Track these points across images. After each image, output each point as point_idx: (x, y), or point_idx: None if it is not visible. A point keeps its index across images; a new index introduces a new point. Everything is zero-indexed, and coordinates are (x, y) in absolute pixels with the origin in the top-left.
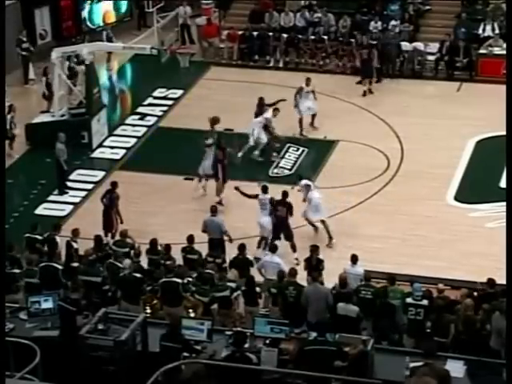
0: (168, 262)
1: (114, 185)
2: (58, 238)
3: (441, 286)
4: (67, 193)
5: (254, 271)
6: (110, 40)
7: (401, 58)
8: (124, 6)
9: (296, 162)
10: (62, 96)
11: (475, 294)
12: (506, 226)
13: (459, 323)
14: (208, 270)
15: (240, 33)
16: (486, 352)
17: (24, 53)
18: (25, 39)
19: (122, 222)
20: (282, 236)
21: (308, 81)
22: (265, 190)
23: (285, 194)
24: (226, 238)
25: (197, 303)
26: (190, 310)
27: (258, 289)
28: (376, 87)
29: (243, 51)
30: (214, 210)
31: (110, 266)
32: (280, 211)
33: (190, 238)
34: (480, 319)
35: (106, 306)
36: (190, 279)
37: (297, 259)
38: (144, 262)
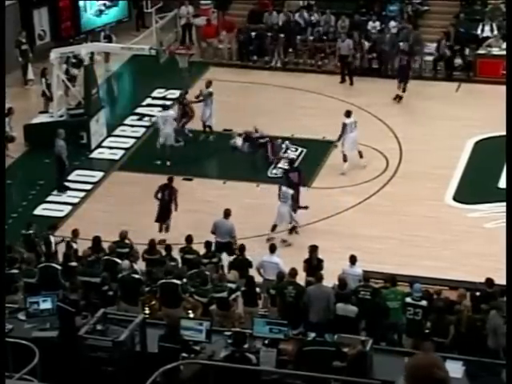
0: (172, 264)
1: (171, 180)
2: (51, 238)
3: (437, 287)
4: (66, 192)
5: (253, 271)
6: (108, 39)
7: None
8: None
9: (295, 162)
10: (61, 96)
11: (476, 293)
12: (506, 226)
13: (462, 324)
14: (207, 272)
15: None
16: (485, 352)
17: (23, 53)
18: (24, 40)
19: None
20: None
21: (208, 83)
22: (289, 184)
23: (291, 161)
24: (231, 241)
25: (196, 304)
26: (190, 312)
27: (258, 289)
28: (374, 87)
29: (242, 51)
30: (227, 214)
31: (108, 262)
32: (292, 177)
33: (189, 239)
34: (480, 319)
35: (105, 306)
36: (189, 280)
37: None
38: (142, 262)
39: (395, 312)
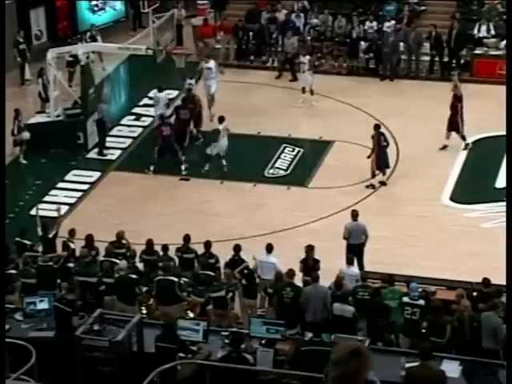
0: (170, 263)
1: (378, 126)
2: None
3: (433, 288)
4: (106, 155)
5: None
6: (93, 39)
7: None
8: None
9: (291, 162)
10: (58, 96)
11: (473, 294)
12: (506, 226)
13: (465, 324)
14: (202, 271)
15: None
16: (483, 352)
17: (21, 52)
18: (22, 40)
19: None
20: None
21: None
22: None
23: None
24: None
25: (194, 304)
26: (188, 312)
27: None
28: (370, 87)
29: (240, 50)
30: (356, 215)
31: (106, 263)
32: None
33: (186, 238)
34: (480, 318)
35: (102, 297)
36: (186, 279)
37: None
38: (140, 262)
39: (394, 311)
